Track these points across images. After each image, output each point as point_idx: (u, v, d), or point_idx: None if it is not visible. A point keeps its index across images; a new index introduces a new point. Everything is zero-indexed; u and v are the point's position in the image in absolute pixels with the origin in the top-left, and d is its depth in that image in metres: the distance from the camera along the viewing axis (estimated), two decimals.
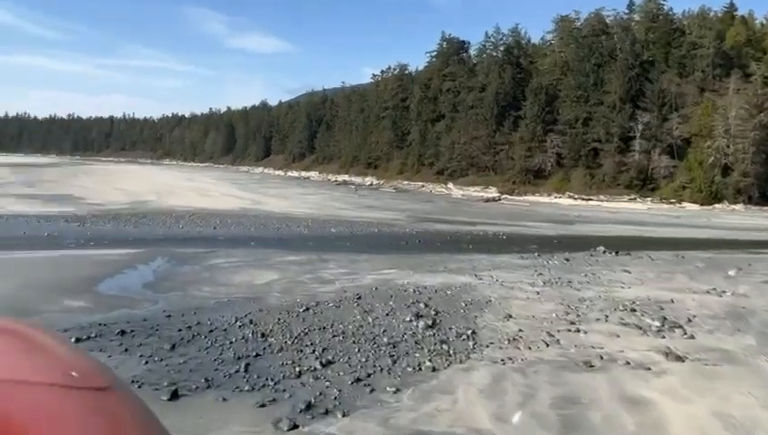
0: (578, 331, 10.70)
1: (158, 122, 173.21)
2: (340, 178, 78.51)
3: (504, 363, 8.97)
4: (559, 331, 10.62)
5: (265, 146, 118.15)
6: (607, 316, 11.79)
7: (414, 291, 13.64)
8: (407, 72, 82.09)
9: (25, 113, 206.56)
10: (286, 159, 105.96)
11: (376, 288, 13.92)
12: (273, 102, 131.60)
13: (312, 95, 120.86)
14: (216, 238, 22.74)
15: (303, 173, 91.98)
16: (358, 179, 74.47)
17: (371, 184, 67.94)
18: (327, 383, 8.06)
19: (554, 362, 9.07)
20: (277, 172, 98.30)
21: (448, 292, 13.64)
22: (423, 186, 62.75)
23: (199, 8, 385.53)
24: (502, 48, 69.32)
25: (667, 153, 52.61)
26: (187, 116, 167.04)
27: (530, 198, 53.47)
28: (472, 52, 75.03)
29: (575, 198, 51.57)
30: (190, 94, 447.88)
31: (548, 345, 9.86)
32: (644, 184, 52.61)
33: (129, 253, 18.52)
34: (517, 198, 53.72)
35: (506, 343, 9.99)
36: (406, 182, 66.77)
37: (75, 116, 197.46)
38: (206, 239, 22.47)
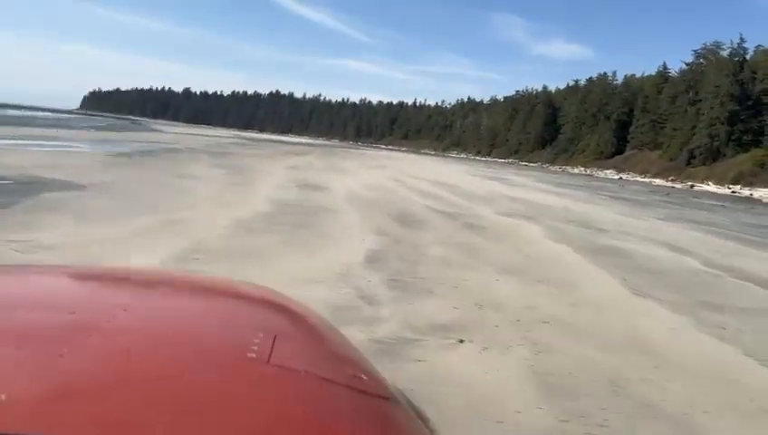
0: None
1: (450, 109, 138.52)
2: None
3: None
4: None
5: (617, 135, 68.93)
6: None
7: None
8: None
9: (320, 95, 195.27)
10: (672, 159, 54.98)
11: None
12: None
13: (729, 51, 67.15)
14: None
15: (742, 188, 40.49)
16: None
17: None
18: None
19: None
20: (646, 179, 48.85)
21: None
22: None
23: (505, 14, 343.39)
24: None
25: None
26: (485, 101, 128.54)
27: None
28: None
29: None
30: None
31: None
32: None
33: None
34: None
35: None
36: None
37: (366, 101, 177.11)
38: None
